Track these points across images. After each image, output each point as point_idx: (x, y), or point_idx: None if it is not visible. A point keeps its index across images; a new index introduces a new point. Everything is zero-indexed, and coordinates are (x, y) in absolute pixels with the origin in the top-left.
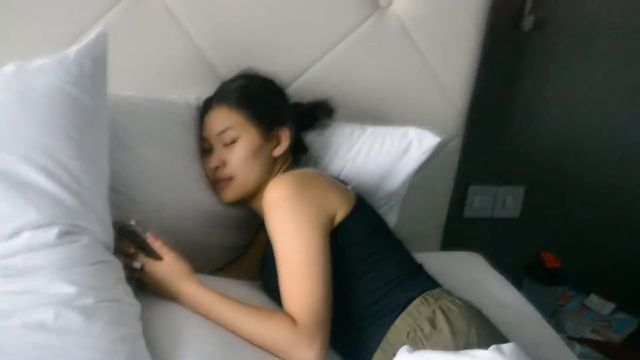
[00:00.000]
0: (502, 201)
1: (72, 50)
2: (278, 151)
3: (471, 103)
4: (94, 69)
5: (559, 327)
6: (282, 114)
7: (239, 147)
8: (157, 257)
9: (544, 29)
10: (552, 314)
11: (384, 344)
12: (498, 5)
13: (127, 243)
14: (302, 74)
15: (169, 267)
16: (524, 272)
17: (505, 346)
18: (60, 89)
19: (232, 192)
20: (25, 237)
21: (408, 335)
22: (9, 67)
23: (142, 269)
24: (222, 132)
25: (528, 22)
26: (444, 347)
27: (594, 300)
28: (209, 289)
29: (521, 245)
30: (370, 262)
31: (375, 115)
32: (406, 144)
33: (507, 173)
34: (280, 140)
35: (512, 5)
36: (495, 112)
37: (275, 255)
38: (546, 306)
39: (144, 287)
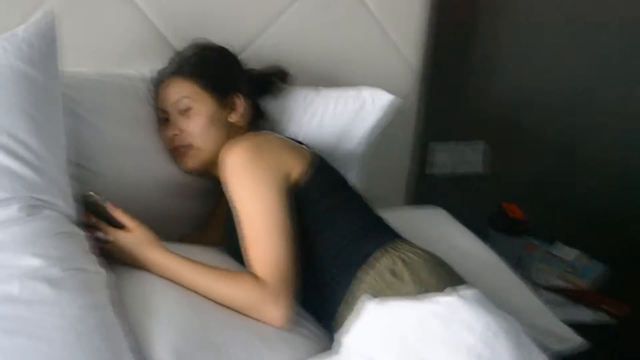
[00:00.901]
0: (463, 157)
1: (20, 28)
2: (234, 117)
3: (427, 60)
4: (43, 46)
5: (526, 276)
6: (236, 81)
7: (195, 115)
8: (121, 227)
9: None
10: (517, 262)
11: (347, 296)
12: None
13: (89, 214)
14: (254, 41)
15: (132, 236)
16: (487, 224)
17: (467, 291)
18: (11, 67)
19: (191, 160)
20: None
21: (370, 285)
22: None
23: (107, 243)
24: (177, 101)
25: None
26: (406, 295)
27: (559, 247)
28: (174, 254)
29: (484, 199)
30: (329, 217)
31: (330, 79)
32: (360, 103)
33: (467, 129)
34: (236, 106)
35: None
36: (452, 68)
37: (237, 218)
38: (512, 256)
39: (112, 257)
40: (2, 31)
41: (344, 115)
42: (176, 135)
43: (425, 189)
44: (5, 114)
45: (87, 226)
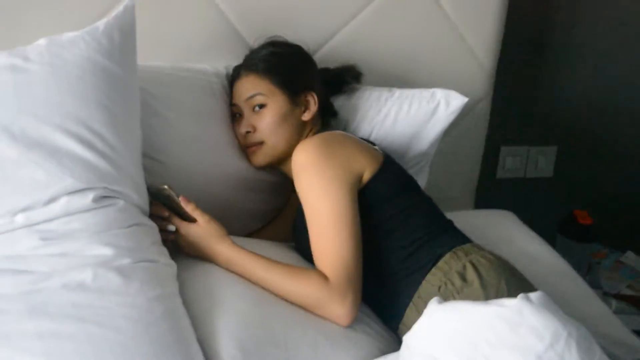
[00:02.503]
0: (535, 161)
1: (102, 22)
2: (307, 115)
3: (499, 63)
4: (123, 40)
5: (594, 283)
6: (310, 80)
7: (268, 112)
8: (191, 220)
9: None
10: (587, 271)
11: (415, 299)
12: None
13: (161, 207)
14: (329, 40)
15: (202, 229)
16: (556, 229)
17: (533, 294)
18: (91, 60)
19: (262, 157)
20: (62, 202)
21: (439, 289)
22: (42, 41)
23: (176, 231)
24: (251, 97)
25: None
26: (475, 299)
27: (630, 257)
28: (242, 249)
29: (554, 204)
30: (399, 219)
31: (403, 79)
32: (434, 105)
33: (539, 133)
34: (309, 104)
35: None
36: (525, 71)
37: (305, 216)
38: (580, 263)
39: (180, 250)
40: (84, 23)
41: (417, 117)
42: (249, 132)
43: (496, 193)
44: (82, 106)
45: (157, 217)
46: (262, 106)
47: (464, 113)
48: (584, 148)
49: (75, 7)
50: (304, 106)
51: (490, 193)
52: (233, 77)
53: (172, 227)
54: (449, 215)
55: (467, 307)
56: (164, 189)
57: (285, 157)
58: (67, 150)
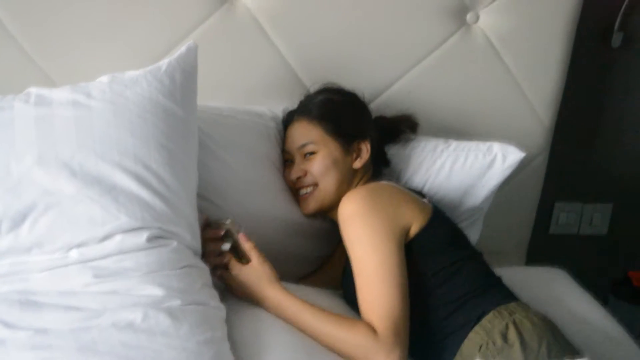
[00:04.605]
0: (589, 218)
1: (164, 62)
2: (358, 163)
3: (558, 118)
4: (184, 80)
5: None
6: (363, 127)
7: (319, 158)
8: (246, 261)
9: (633, 45)
10: (639, 334)
11: (457, 357)
12: (587, 21)
13: (216, 230)
14: (387, 89)
15: (255, 271)
16: (610, 290)
17: None
18: (152, 100)
19: (313, 202)
20: (117, 240)
21: (480, 348)
22: (104, 78)
23: (227, 274)
24: (303, 145)
25: (617, 39)
26: None
27: None
28: (292, 295)
29: (608, 263)
30: (446, 274)
31: (459, 132)
32: (490, 158)
33: (594, 190)
34: (361, 153)
35: (601, 21)
36: (582, 128)
37: (352, 266)
38: (633, 326)
39: (228, 290)
40: (145, 60)
41: (472, 170)
42: (300, 177)
43: (548, 249)
44: (141, 145)
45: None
46: (313, 153)
47: (520, 167)
48: (639, 207)
49: (138, 45)
50: (355, 154)
51: (543, 248)
52: (286, 122)
53: (226, 246)
54: (500, 270)
55: None
56: (226, 223)
57: (335, 203)
58: (124, 188)
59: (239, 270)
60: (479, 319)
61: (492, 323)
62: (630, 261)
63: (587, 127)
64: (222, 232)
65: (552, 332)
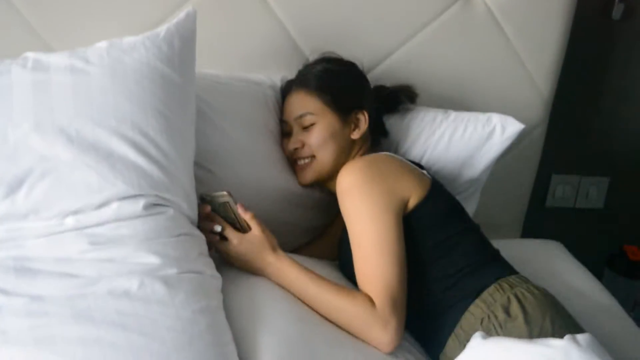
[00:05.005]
0: (586, 191)
1: (163, 28)
2: (356, 134)
3: (557, 90)
4: (183, 47)
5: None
6: (361, 98)
7: (317, 129)
8: (245, 231)
9: (634, 18)
10: (633, 307)
11: (457, 330)
12: None
13: (204, 205)
14: (387, 58)
15: (256, 239)
16: (605, 264)
17: (581, 336)
18: (150, 66)
19: (310, 173)
20: (113, 207)
21: (482, 322)
22: (102, 44)
23: (224, 241)
24: (301, 116)
25: (618, 10)
26: (518, 335)
27: None
28: (294, 261)
29: (604, 237)
30: (445, 247)
31: (459, 103)
32: (489, 129)
33: (591, 163)
34: (359, 123)
35: None
36: (581, 100)
37: (350, 239)
38: (627, 299)
39: (226, 261)
40: (145, 28)
41: (471, 141)
42: (297, 148)
43: (544, 221)
44: (139, 111)
45: (203, 216)
46: (311, 124)
47: (518, 139)
48: (637, 181)
49: (137, 11)
50: (353, 124)
51: (539, 221)
52: (285, 91)
53: (218, 227)
54: (496, 243)
55: (512, 344)
56: (223, 195)
57: (333, 174)
58: (121, 156)
59: (239, 240)
60: (479, 292)
61: (493, 296)
62: (626, 235)
63: (586, 99)
64: (209, 208)
65: (555, 305)
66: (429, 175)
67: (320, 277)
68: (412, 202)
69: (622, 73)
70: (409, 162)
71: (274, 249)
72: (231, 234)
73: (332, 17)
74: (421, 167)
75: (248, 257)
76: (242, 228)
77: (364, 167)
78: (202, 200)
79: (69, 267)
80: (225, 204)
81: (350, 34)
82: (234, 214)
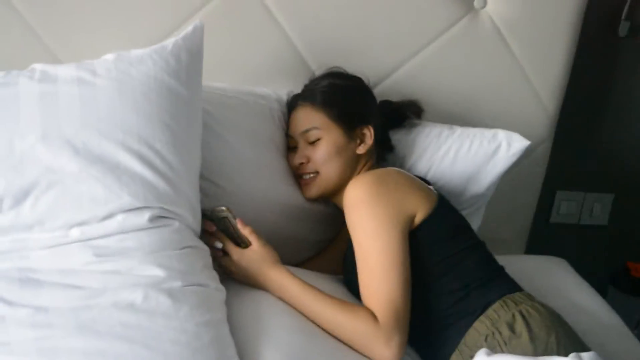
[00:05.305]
0: (590, 208)
1: (170, 41)
2: (362, 149)
3: (562, 107)
4: (190, 60)
5: None
6: (367, 113)
7: (323, 145)
8: (246, 245)
9: None
10: (637, 325)
11: (461, 346)
12: (593, 10)
13: (209, 223)
14: (393, 73)
15: (256, 254)
16: (609, 281)
17: (586, 354)
18: (157, 79)
19: (315, 188)
20: (118, 219)
21: (486, 338)
22: (110, 56)
23: (226, 256)
24: (307, 131)
25: (624, 28)
26: (523, 353)
27: None
28: (296, 277)
29: (608, 253)
30: (450, 263)
31: (464, 118)
32: (495, 145)
33: (596, 180)
34: (364, 138)
35: (608, 10)
36: (586, 117)
37: (355, 253)
38: (631, 316)
39: (229, 276)
40: (152, 41)
41: (477, 156)
42: (302, 163)
43: (548, 238)
44: (145, 124)
45: (205, 234)
46: (317, 139)
47: (523, 155)
48: None
49: (144, 23)
50: (359, 139)
51: (543, 237)
52: (291, 106)
53: (219, 244)
54: (500, 259)
55: None
56: (222, 210)
57: (338, 189)
58: (127, 168)
59: (240, 255)
60: (484, 309)
61: (498, 313)
62: (630, 252)
63: (591, 116)
64: (214, 227)
65: (560, 323)
66: (435, 191)
67: (322, 292)
68: (419, 218)
69: (627, 90)
70: (416, 177)
71: (274, 264)
72: (231, 249)
73: (339, 32)
74: (428, 182)
75: (249, 272)
76: (243, 243)
77: (372, 182)
78: (203, 215)
79: (74, 279)
80: (224, 219)
81: (356, 49)
82: (234, 229)
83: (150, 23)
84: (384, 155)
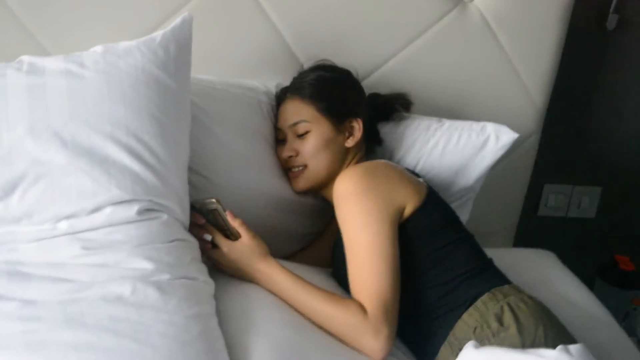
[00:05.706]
0: (578, 201)
1: (158, 34)
2: (350, 142)
3: (551, 100)
4: (178, 52)
5: (630, 330)
6: (356, 106)
7: (311, 138)
8: (235, 238)
9: (628, 28)
10: (624, 317)
11: (450, 338)
12: (582, 3)
13: (198, 216)
14: (381, 66)
15: (246, 246)
16: (596, 273)
17: (573, 347)
18: (145, 71)
19: (303, 181)
20: (107, 212)
21: (475, 330)
22: (97, 48)
23: (215, 249)
24: (295, 124)
25: (612, 21)
26: (511, 345)
27: None
28: (285, 269)
29: (595, 246)
30: (439, 255)
31: (452, 111)
32: (483, 139)
33: (584, 173)
34: (353, 131)
35: (596, 3)
36: (574, 110)
37: (344, 245)
38: (618, 309)
39: (218, 268)
40: (140, 33)
41: (465, 149)
42: (291, 156)
43: (536, 230)
44: (134, 117)
45: (193, 226)
46: (306, 132)
47: (512, 148)
48: (629, 191)
49: (133, 16)
50: (348, 132)
51: (531, 230)
52: (279, 99)
53: (208, 237)
54: (489, 251)
55: (504, 355)
56: (212, 202)
57: (327, 182)
58: (116, 160)
59: (229, 248)
60: (472, 301)
61: (486, 305)
62: (617, 245)
63: (579, 109)
64: (203, 220)
65: (548, 316)
66: (425, 183)
67: (311, 285)
68: (408, 210)
69: (615, 83)
70: (406, 170)
71: (264, 256)
72: (221, 241)
73: (328, 24)
74: (417, 174)
75: (238, 264)
76: (232, 235)
77: (362, 174)
78: (192, 207)
79: (62, 272)
80: (214, 211)
81: (345, 42)
82: (224, 221)
83: (139, 15)
84: (372, 148)
